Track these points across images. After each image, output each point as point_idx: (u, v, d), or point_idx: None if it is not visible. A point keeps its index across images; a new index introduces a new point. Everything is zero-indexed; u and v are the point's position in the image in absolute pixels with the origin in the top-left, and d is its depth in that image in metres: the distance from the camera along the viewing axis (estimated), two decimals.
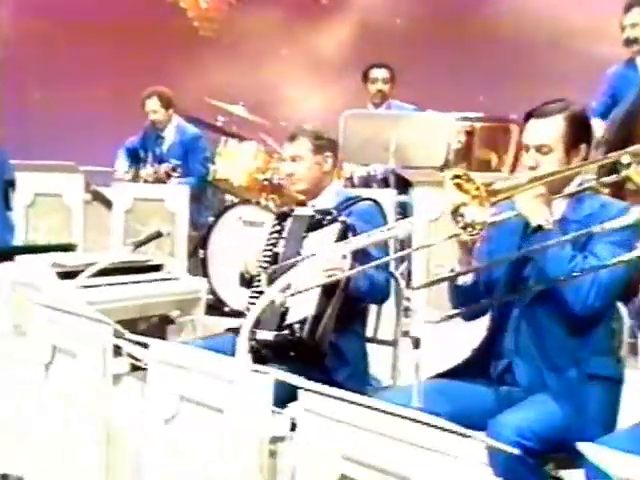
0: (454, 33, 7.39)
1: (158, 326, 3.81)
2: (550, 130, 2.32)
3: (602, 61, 6.36)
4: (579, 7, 7.01)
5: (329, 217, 2.79)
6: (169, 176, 5.20)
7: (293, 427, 1.82)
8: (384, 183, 4.65)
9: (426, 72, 6.28)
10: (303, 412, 1.72)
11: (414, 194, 3.86)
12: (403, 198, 4.32)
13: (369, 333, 3.10)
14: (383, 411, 1.58)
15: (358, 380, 2.85)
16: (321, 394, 1.70)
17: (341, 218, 2.76)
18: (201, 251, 4.66)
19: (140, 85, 5.69)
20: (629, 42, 4.12)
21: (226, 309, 4.62)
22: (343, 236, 2.71)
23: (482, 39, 7.28)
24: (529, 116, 2.39)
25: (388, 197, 3.98)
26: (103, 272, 3.37)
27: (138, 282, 3.62)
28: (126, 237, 4.71)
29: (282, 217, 2.94)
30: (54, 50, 7.77)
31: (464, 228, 2.19)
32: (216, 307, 4.58)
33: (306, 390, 1.72)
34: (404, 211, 4.25)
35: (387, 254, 2.90)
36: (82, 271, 3.42)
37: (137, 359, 2.36)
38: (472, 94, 6.25)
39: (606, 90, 4.20)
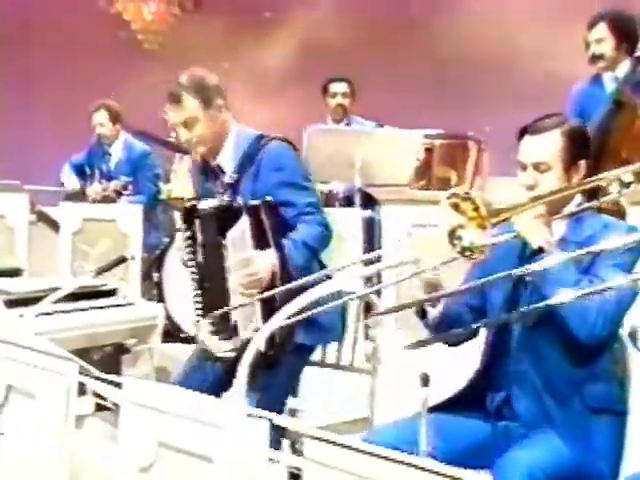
0: (398, 50, 7.40)
1: (112, 355, 3.60)
2: (547, 146, 2.20)
3: (556, 80, 6.47)
4: (530, 27, 7.10)
5: (233, 209, 2.58)
6: (119, 194, 4.95)
7: (292, 477, 1.64)
8: (346, 201, 4.49)
9: (371, 88, 6.19)
10: (309, 463, 1.54)
11: (382, 213, 3.72)
12: (369, 213, 4.16)
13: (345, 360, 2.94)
14: (404, 463, 1.41)
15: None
16: (330, 443, 1.52)
17: (249, 205, 2.56)
18: (155, 274, 4.41)
19: (84, 100, 5.45)
20: (594, 58, 4.05)
21: (183, 335, 4.38)
22: (258, 225, 2.54)
23: (430, 56, 7.32)
24: (523, 132, 2.26)
25: (354, 216, 3.84)
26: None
27: (91, 309, 3.41)
28: (74, 260, 4.46)
29: (188, 219, 2.68)
30: None
31: (462, 252, 2.04)
32: (172, 333, 4.34)
33: (312, 438, 1.54)
34: (371, 229, 4.10)
35: (315, 196, 2.71)
36: (32, 298, 3.23)
37: (103, 398, 2.15)
38: (423, 111, 6.23)
39: (573, 108, 4.12)
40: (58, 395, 2.12)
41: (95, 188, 5.05)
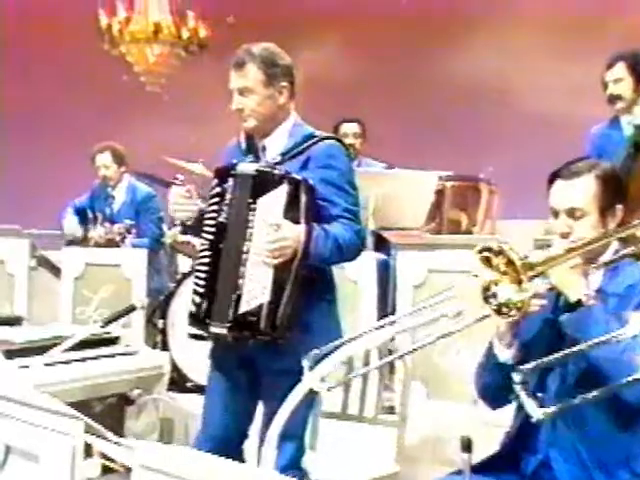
0: (401, 90, 7.38)
1: (115, 407, 3.44)
2: (581, 192, 2.07)
3: (548, 122, 6.47)
4: (525, 70, 7.10)
5: (275, 176, 2.43)
6: (123, 237, 4.82)
7: None
8: None
9: (374, 127, 6.16)
10: None
11: (397, 257, 3.59)
12: (383, 257, 4.01)
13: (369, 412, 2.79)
14: None
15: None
16: None
17: (291, 176, 2.41)
18: (160, 320, 4.28)
19: (86, 143, 5.36)
20: (612, 99, 3.96)
21: (189, 384, 4.24)
22: (294, 199, 2.40)
23: (436, 97, 7.30)
24: (554, 177, 2.14)
25: (368, 260, 3.70)
26: (51, 348, 3.04)
27: (92, 358, 3.25)
28: (75, 306, 4.31)
29: (223, 176, 2.51)
30: None
31: (498, 310, 1.89)
32: (176, 382, 4.18)
33: None
34: (385, 274, 3.96)
35: (357, 204, 2.57)
36: (33, 348, 3.09)
37: (112, 460, 2.00)
38: (426, 154, 6.21)
39: (590, 151, 4.02)
40: (62, 457, 1.97)
41: (98, 231, 4.92)
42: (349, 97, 7.16)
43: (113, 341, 3.45)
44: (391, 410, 3.38)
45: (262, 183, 2.44)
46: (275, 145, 2.58)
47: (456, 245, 3.50)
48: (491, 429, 2.43)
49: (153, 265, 4.93)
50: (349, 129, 4.96)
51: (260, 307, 2.39)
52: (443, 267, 3.50)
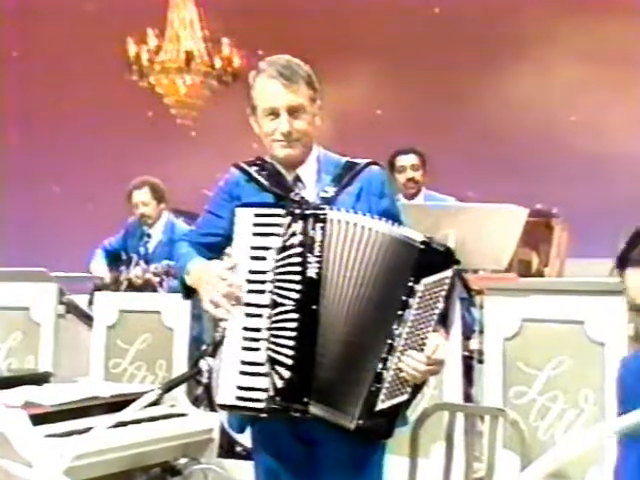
0: (437, 125, 7.11)
1: (159, 478, 2.98)
2: None
3: (598, 157, 6.26)
4: (572, 104, 6.88)
5: (444, 256, 1.99)
6: (161, 280, 4.35)
7: None
8: None
9: None
10: None
11: (484, 304, 3.12)
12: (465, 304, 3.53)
13: None
14: None
15: None
16: None
17: (456, 259, 2.01)
18: (206, 374, 3.79)
19: (115, 180, 4.97)
20: None
21: (238, 449, 3.75)
22: (451, 287, 1.99)
23: (473, 134, 7.18)
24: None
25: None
26: (85, 412, 2.73)
27: (134, 422, 2.80)
28: (108, 359, 3.86)
29: (304, 219, 2.01)
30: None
31: None
32: (222, 446, 3.68)
33: None
34: (468, 322, 3.47)
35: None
36: (64, 411, 2.67)
37: None
38: (460, 189, 5.97)
39: None
40: None
41: (135, 271, 4.46)
42: (386, 130, 6.97)
43: (155, 401, 2.99)
44: None
45: (428, 259, 1.97)
46: (311, 175, 2.19)
47: (554, 290, 3.03)
48: None
49: (191, 310, 4.48)
50: (406, 161, 4.47)
51: (398, 406, 1.98)
52: (540, 316, 3.02)
